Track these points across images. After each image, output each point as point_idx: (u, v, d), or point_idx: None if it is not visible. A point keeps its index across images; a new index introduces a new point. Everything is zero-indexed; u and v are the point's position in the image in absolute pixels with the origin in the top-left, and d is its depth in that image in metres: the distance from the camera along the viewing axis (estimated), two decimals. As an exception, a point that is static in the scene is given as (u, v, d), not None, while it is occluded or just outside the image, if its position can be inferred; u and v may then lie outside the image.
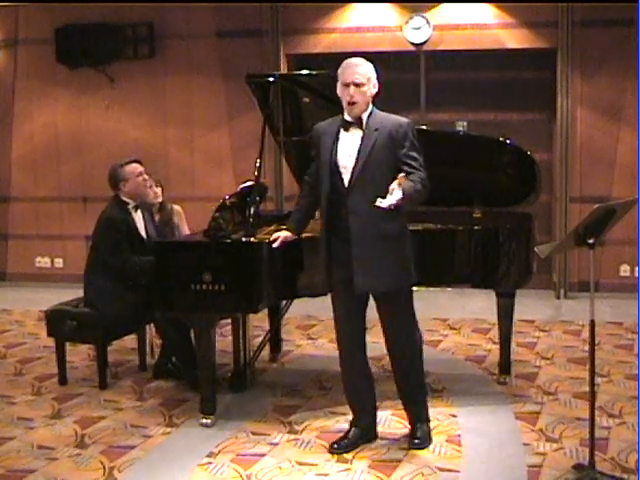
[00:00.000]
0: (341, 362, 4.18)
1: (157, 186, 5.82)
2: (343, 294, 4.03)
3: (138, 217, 5.21)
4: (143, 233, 5.20)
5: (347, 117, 3.96)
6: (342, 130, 3.96)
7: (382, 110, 4.00)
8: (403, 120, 3.95)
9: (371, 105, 3.97)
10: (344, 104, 3.94)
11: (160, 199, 5.84)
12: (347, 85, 3.89)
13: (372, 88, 3.93)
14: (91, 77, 8.42)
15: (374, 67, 3.96)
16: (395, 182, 3.64)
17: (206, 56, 8.21)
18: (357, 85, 3.88)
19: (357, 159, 3.89)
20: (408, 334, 4.12)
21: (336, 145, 3.95)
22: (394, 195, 3.60)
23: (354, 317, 4.07)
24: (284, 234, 4.23)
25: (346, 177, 3.91)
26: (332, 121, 4.05)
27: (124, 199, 5.16)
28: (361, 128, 3.93)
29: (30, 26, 8.55)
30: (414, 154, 3.88)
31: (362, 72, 3.90)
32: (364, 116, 3.94)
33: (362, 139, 3.91)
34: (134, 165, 5.19)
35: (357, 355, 4.14)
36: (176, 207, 5.96)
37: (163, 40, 8.27)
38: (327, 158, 3.95)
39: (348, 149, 3.93)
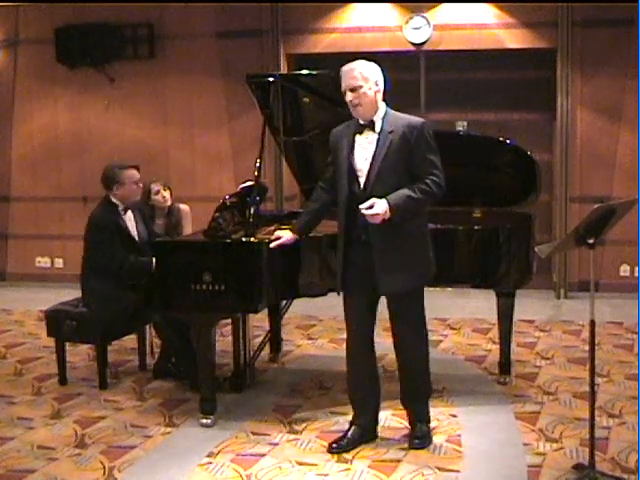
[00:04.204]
0: (348, 359, 4.18)
1: (165, 189, 5.80)
2: (358, 294, 4.03)
3: (128, 218, 5.19)
4: (134, 234, 5.19)
5: (360, 121, 3.96)
6: (357, 134, 3.97)
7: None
8: (417, 120, 3.94)
9: (384, 106, 3.98)
10: (351, 110, 3.94)
11: (169, 203, 5.82)
12: (345, 92, 3.91)
13: (374, 86, 3.91)
14: (91, 77, 8.42)
15: (377, 65, 3.95)
16: (367, 202, 3.77)
17: (206, 56, 8.21)
18: (353, 89, 3.88)
19: (372, 162, 3.90)
20: (418, 333, 4.14)
21: (353, 149, 3.96)
22: (372, 209, 3.75)
23: (366, 316, 4.09)
24: (286, 236, 4.22)
25: (362, 180, 3.93)
26: (348, 125, 4.05)
27: (114, 201, 5.15)
28: (374, 131, 3.93)
29: (30, 26, 8.55)
30: (428, 156, 3.89)
31: (355, 75, 3.89)
32: (376, 118, 3.94)
33: (377, 142, 3.91)
34: (133, 171, 5.17)
35: (365, 353, 4.14)
36: (183, 207, 5.94)
37: (163, 40, 8.27)
38: (344, 162, 3.96)
39: (364, 152, 3.94)
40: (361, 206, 3.79)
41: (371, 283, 3.95)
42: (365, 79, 3.89)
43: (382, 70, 3.98)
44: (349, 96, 3.89)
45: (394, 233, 3.88)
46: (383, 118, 3.94)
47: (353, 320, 4.10)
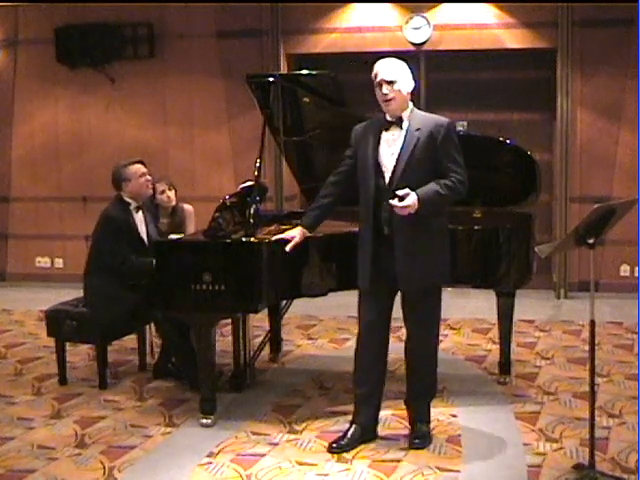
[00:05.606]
0: (357, 354, 4.16)
1: (170, 189, 5.79)
2: (377, 289, 4.03)
3: (139, 218, 5.21)
4: (143, 234, 5.20)
5: (388, 117, 3.99)
6: (383, 130, 3.99)
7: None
8: (443, 120, 3.99)
9: (411, 105, 4.01)
10: (381, 104, 3.96)
11: (173, 203, 5.82)
12: (379, 85, 3.93)
13: (407, 84, 3.96)
14: (91, 77, 8.42)
15: (407, 65, 4.00)
16: (404, 190, 3.79)
17: (206, 56, 8.21)
18: (389, 83, 3.91)
19: (398, 159, 3.93)
20: (431, 330, 4.15)
21: (378, 145, 3.98)
22: (404, 202, 3.79)
23: (383, 312, 4.09)
24: (297, 235, 4.20)
25: (387, 176, 3.95)
26: (372, 122, 4.09)
27: (126, 199, 5.16)
28: (402, 127, 3.96)
29: (30, 26, 8.55)
30: (453, 155, 3.95)
31: (392, 69, 3.93)
32: (404, 115, 3.98)
33: (404, 139, 3.94)
34: (137, 166, 5.19)
35: (377, 349, 4.11)
36: (187, 207, 5.93)
37: (163, 40, 8.27)
38: (370, 158, 3.98)
39: (390, 149, 3.97)
40: (396, 196, 3.80)
41: (391, 278, 3.97)
42: (401, 76, 3.94)
43: (411, 68, 4.05)
44: (385, 89, 3.91)
45: (418, 229, 3.91)
46: (410, 116, 3.98)
47: (369, 315, 4.09)
